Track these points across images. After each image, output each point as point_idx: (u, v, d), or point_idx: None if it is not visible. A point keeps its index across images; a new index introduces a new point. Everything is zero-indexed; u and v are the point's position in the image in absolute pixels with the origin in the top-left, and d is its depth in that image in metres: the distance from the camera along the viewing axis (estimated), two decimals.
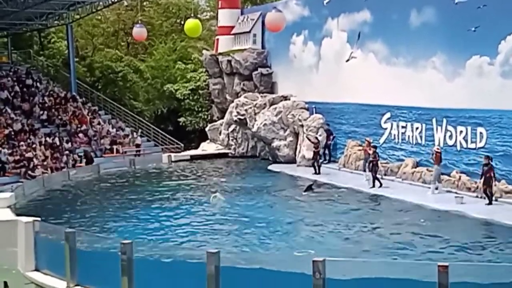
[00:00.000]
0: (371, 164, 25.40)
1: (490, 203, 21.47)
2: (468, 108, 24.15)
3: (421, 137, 26.57)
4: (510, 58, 22.42)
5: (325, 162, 30.66)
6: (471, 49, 23.74)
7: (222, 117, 38.07)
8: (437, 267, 10.91)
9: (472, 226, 19.68)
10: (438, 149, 24.34)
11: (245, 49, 37.68)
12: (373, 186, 25.12)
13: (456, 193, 22.87)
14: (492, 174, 21.57)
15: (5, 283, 13.86)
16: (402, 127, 27.61)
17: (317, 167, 29.00)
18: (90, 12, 43.75)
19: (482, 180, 21.89)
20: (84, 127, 38.70)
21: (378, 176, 25.37)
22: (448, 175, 24.19)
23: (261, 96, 34.95)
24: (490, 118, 23.29)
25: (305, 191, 25.05)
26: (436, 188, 23.66)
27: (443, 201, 22.25)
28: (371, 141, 27.49)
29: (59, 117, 38.97)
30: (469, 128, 24.17)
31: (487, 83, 23.28)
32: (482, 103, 23.46)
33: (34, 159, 32.15)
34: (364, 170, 26.97)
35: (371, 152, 25.68)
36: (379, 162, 25.67)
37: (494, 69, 23.00)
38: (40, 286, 15.81)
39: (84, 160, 34.89)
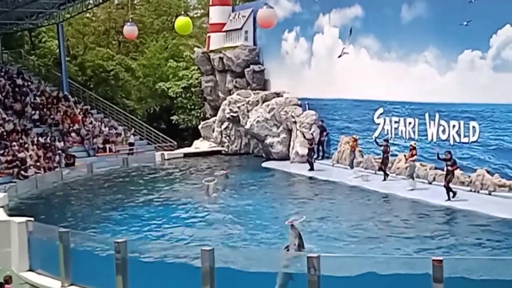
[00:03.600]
0: (383, 158, 25.71)
1: (453, 197, 21.45)
2: (460, 102, 24.18)
3: (414, 132, 26.58)
4: (501, 52, 22.45)
5: (319, 158, 30.67)
6: (463, 43, 23.76)
7: (215, 115, 38.03)
8: (432, 261, 10.92)
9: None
10: (414, 144, 24.36)
11: (236, 46, 37.64)
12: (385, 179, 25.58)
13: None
14: (454, 169, 21.63)
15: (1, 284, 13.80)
16: (395, 122, 27.63)
17: (310, 163, 29.03)
18: (81, 11, 43.56)
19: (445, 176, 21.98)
20: (76, 126, 38.54)
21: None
22: (442, 169, 24.19)
23: (254, 93, 34.91)
24: (483, 112, 23.32)
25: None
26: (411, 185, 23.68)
27: (437, 196, 22.25)
28: (358, 138, 27.67)
29: (51, 116, 38.80)
30: (461, 122, 24.19)
31: (479, 77, 23.29)
32: (475, 97, 23.49)
33: (27, 159, 32.00)
34: (352, 167, 27.02)
35: (383, 145, 25.77)
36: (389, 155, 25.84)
37: (486, 63, 23.02)
38: (34, 286, 15.78)
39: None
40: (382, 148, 25.72)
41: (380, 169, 25.83)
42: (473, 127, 23.69)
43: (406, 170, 24.25)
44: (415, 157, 23.89)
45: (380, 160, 26.21)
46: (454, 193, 21.54)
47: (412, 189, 23.35)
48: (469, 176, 22.89)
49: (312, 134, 30.15)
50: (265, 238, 18.22)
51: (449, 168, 21.65)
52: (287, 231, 17.23)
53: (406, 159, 24.34)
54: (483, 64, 23.13)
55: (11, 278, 14.15)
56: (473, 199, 21.50)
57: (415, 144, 24.43)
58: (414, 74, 26.26)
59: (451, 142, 24.53)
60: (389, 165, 26.47)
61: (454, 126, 24.54)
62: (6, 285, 13.70)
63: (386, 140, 26.30)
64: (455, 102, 24.38)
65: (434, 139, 25.34)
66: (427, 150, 25.51)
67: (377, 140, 26.86)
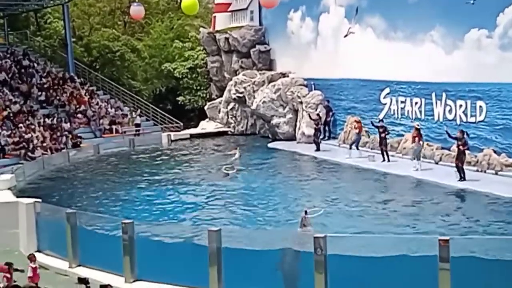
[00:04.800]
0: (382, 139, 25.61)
1: (463, 179, 21.31)
2: (467, 81, 24.09)
3: (420, 112, 26.51)
4: (508, 30, 22.33)
5: (325, 138, 30.64)
6: (470, 22, 23.63)
7: (221, 95, 38.00)
8: (438, 241, 10.92)
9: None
10: (417, 125, 24.20)
11: (242, 26, 37.52)
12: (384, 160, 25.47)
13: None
14: (465, 149, 21.54)
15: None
16: (402, 102, 27.56)
17: (317, 144, 29.02)
18: None
19: (456, 155, 21.87)
20: (82, 107, 38.57)
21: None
22: (448, 149, 24.16)
23: (260, 74, 34.84)
24: (490, 91, 23.25)
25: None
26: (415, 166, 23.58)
27: (443, 175, 22.24)
28: (359, 119, 27.63)
29: (58, 98, 38.81)
30: (468, 101, 24.11)
31: (486, 56, 23.18)
32: (481, 77, 23.39)
33: (34, 141, 32.08)
34: (357, 148, 26.95)
35: (379, 126, 25.74)
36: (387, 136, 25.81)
37: (492, 42, 22.91)
38: (42, 267, 15.85)
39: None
40: (381, 129, 25.63)
41: (382, 150, 25.70)
42: (480, 106, 23.61)
43: (411, 151, 24.17)
44: (419, 139, 23.83)
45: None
46: (461, 176, 21.45)
47: (416, 170, 23.31)
48: (476, 156, 22.84)
49: (318, 114, 30.11)
50: (274, 218, 18.30)
51: (460, 147, 21.52)
52: (295, 211, 17.38)
53: (413, 140, 24.13)
54: (490, 43, 23.02)
55: (35, 256, 14.16)
56: (479, 179, 21.46)
57: (418, 125, 24.27)
58: (420, 53, 26.15)
59: (458, 121, 24.46)
60: (396, 145, 26.48)
61: (461, 105, 24.46)
62: (30, 263, 13.73)
63: (381, 121, 26.30)
64: (462, 82, 24.29)
65: (441, 119, 25.28)
66: (434, 130, 25.48)
67: (373, 121, 26.92)
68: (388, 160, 25.31)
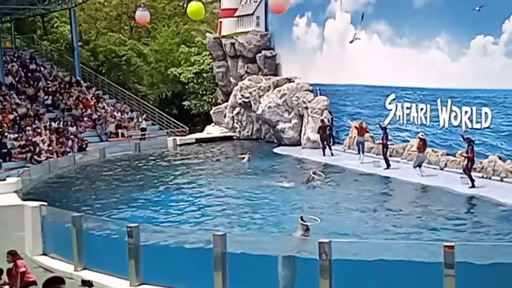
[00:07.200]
0: (382, 146, 25.47)
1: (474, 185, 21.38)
2: (473, 88, 24.09)
3: (426, 118, 26.52)
4: None
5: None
6: (476, 28, 23.64)
7: (227, 100, 38.08)
8: (443, 248, 10.93)
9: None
10: (421, 135, 24.17)
11: (248, 32, 37.61)
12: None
13: (461, 173, 22.77)
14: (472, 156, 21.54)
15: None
16: (407, 108, 27.58)
17: (324, 149, 29.03)
18: None
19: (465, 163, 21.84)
20: (89, 111, 38.70)
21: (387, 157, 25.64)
22: (453, 155, 24.16)
23: (265, 79, 34.92)
24: (495, 98, 23.25)
25: (306, 182, 23.98)
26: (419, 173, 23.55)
27: (449, 182, 22.25)
28: (364, 124, 27.63)
29: (64, 101, 38.96)
30: (474, 108, 24.11)
31: (492, 62, 23.19)
32: (487, 83, 23.40)
33: (40, 144, 32.20)
34: (362, 152, 26.93)
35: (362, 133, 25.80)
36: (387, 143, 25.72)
37: (498, 48, 22.92)
38: (48, 270, 15.91)
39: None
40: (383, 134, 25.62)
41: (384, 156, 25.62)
42: (485, 113, 23.62)
43: (414, 159, 24.14)
44: (423, 149, 23.78)
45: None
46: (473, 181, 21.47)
47: (422, 176, 23.32)
48: (481, 162, 22.82)
49: (322, 120, 30.07)
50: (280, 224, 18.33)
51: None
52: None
53: (418, 150, 24.06)
54: (495, 50, 23.03)
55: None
56: (485, 185, 21.46)
57: (423, 135, 24.22)
58: (426, 59, 26.18)
59: (463, 128, 24.45)
60: (401, 151, 26.51)
61: (466, 112, 24.46)
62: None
63: (383, 127, 26.24)
64: (468, 88, 24.30)
65: (446, 125, 25.30)
66: (439, 136, 25.50)
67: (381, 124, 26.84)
68: (389, 166, 25.25)
